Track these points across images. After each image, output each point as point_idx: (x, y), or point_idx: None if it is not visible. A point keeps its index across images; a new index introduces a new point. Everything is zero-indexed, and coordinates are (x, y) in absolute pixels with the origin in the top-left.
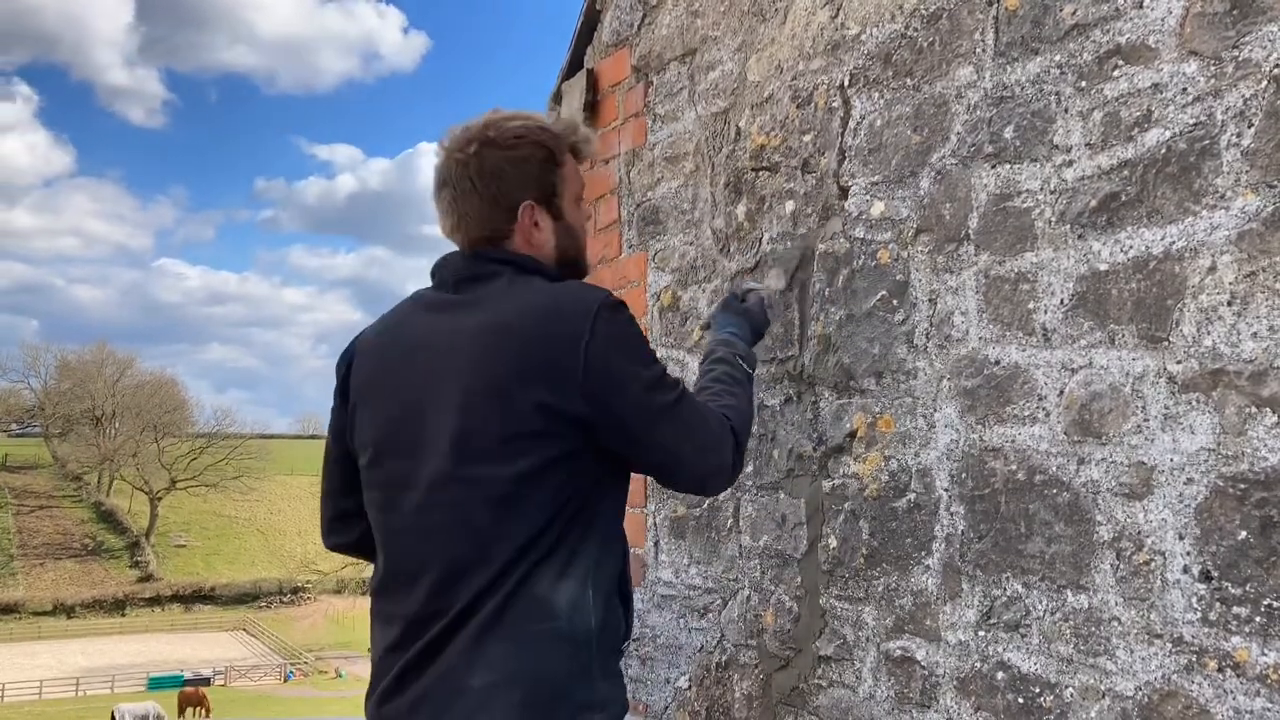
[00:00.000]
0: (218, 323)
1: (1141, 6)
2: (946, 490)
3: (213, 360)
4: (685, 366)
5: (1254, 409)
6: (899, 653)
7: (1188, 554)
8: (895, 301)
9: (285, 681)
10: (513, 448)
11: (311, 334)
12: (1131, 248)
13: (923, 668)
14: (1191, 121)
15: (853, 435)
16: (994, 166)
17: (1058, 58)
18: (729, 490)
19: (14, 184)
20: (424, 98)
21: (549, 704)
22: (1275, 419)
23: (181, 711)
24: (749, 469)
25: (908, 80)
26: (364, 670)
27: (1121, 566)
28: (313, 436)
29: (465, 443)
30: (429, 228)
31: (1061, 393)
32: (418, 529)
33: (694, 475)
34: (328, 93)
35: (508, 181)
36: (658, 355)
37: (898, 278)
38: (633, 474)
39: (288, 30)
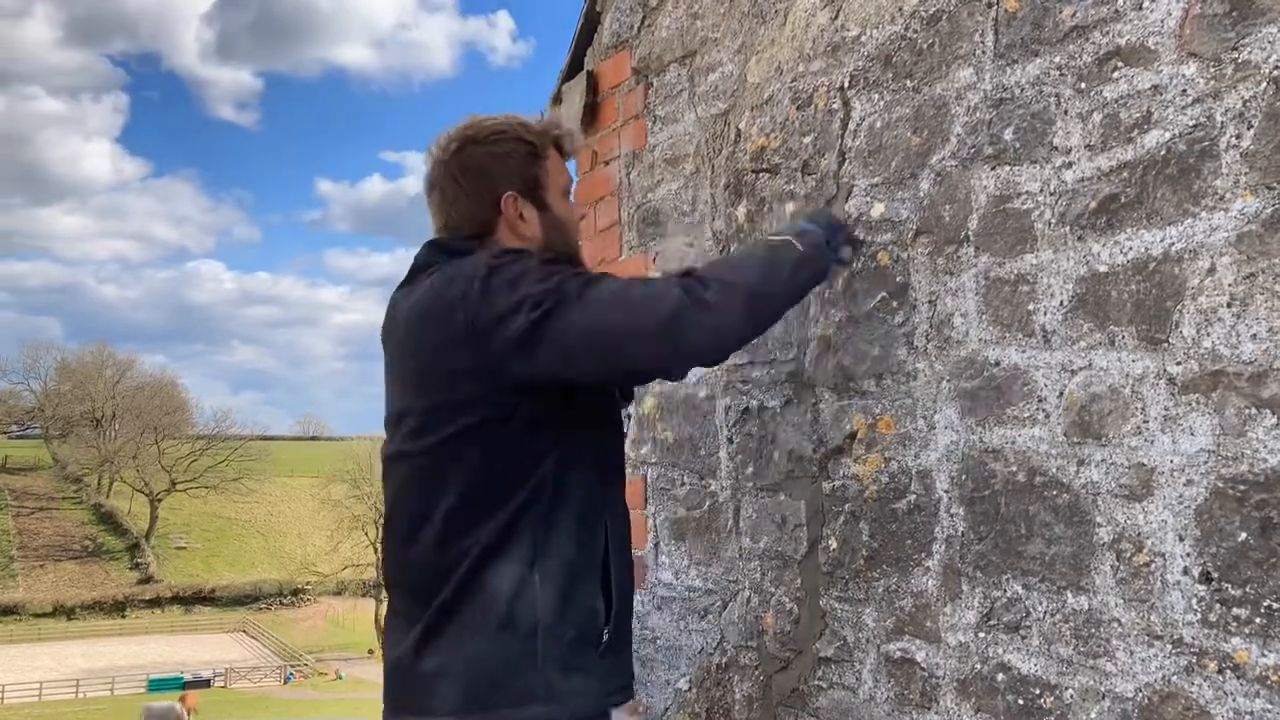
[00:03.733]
0: (246, 323)
1: (1141, 8)
2: (946, 492)
3: (233, 361)
4: None
5: (1254, 410)
6: (899, 654)
7: (1188, 555)
8: (895, 303)
9: (285, 683)
10: (435, 418)
11: (336, 335)
12: (1131, 249)
13: (923, 669)
14: (1191, 123)
15: (853, 437)
16: (994, 168)
17: (1057, 59)
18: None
19: (87, 187)
20: (513, 99)
21: (486, 693)
22: (1275, 420)
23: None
24: (749, 470)
25: (908, 82)
26: (363, 672)
27: (1121, 568)
28: (313, 438)
29: (403, 420)
30: None
31: (1061, 394)
32: (390, 502)
33: (646, 343)
34: (423, 94)
35: (490, 176)
36: (567, 266)
37: (898, 279)
38: (633, 476)
39: (402, 33)
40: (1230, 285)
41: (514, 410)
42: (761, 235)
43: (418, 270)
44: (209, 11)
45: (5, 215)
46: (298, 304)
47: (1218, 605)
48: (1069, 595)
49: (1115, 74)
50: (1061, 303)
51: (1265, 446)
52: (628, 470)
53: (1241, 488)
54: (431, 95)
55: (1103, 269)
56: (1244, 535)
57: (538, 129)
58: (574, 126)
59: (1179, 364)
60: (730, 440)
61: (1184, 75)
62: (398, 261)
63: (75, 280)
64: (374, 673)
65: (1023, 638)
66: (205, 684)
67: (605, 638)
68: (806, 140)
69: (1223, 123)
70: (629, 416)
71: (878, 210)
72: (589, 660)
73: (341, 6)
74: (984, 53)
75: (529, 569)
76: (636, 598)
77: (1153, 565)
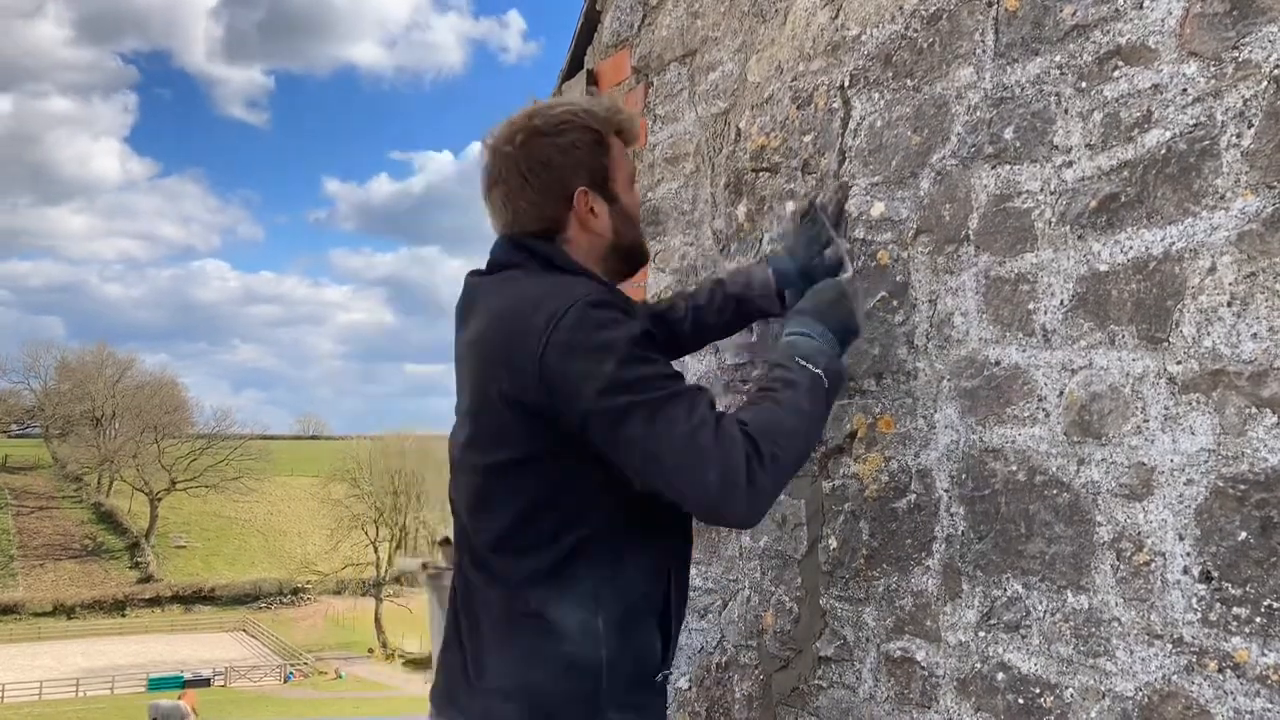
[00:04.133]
0: (248, 322)
1: (1141, 7)
2: (946, 491)
3: (235, 360)
4: (685, 367)
5: (1254, 410)
6: (899, 653)
7: (1188, 555)
8: (895, 302)
9: (285, 682)
10: (489, 438)
11: (338, 334)
12: (1131, 248)
13: (923, 668)
14: (1191, 122)
15: (853, 436)
16: (994, 167)
17: (1058, 58)
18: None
19: (96, 187)
20: (524, 99)
21: None
22: (1275, 420)
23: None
24: None
25: (908, 81)
26: (364, 671)
27: (1121, 567)
28: (313, 437)
29: (464, 428)
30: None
31: (1061, 393)
32: (453, 501)
33: (695, 495)
34: (433, 93)
35: (558, 169)
36: (655, 361)
37: (898, 278)
38: None
39: (414, 32)
40: (1231, 284)
41: (563, 450)
42: (796, 363)
43: (497, 266)
44: (216, 8)
45: (13, 214)
46: (301, 303)
47: (1218, 604)
48: (1069, 594)
49: (1116, 73)
50: (1062, 302)
51: (1265, 446)
52: None
53: (1242, 487)
54: (442, 94)
55: (1103, 268)
56: (1244, 534)
57: (602, 115)
58: (632, 110)
59: (1179, 363)
60: None
61: (1184, 74)
62: (401, 261)
63: (79, 279)
64: (374, 672)
65: (1023, 637)
66: (205, 683)
67: (660, 677)
68: (806, 139)
69: (1223, 122)
70: None
71: (878, 209)
72: (645, 699)
73: (354, 5)
74: (984, 52)
75: (593, 606)
76: None
77: (1153, 564)
